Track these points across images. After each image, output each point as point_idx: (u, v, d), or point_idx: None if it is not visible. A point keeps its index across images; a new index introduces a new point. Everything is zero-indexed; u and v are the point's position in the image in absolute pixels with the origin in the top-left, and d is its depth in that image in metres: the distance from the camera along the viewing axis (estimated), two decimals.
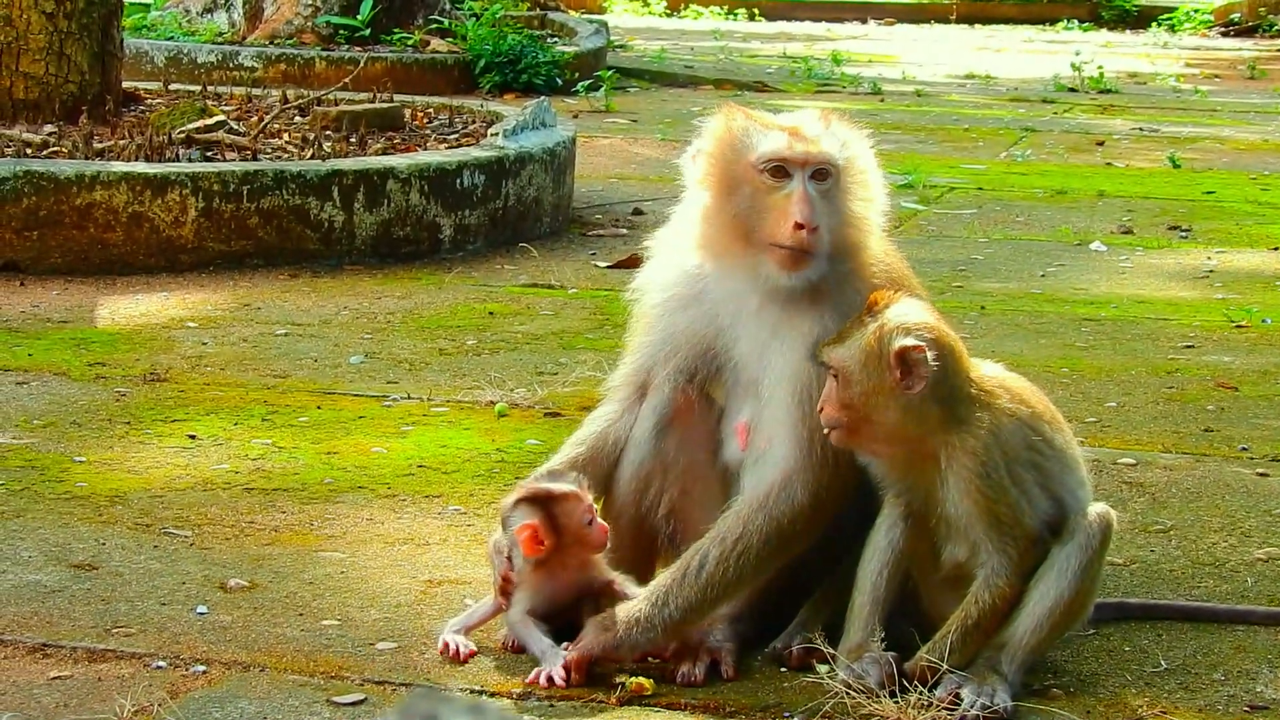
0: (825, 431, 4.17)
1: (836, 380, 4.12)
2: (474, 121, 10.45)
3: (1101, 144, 13.73)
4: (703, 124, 4.45)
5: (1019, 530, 4.09)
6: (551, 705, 4.06)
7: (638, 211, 10.06)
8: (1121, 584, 4.86)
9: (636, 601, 4.23)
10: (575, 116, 13.80)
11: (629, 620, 4.20)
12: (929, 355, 4.07)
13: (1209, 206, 10.99)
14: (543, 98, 10.64)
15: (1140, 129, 14.70)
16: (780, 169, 4.30)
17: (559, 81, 15.20)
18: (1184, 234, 10.03)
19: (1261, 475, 5.78)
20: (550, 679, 4.13)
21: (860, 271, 4.41)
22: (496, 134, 9.51)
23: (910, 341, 4.07)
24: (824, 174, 4.32)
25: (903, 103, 16.14)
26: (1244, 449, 6.06)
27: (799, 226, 4.25)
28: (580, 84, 15.06)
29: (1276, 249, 9.66)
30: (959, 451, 4.09)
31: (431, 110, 10.91)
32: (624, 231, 9.59)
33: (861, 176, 4.44)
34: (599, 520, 4.31)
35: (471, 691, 4.10)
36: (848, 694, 4.01)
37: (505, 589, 4.34)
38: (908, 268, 4.60)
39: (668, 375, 4.45)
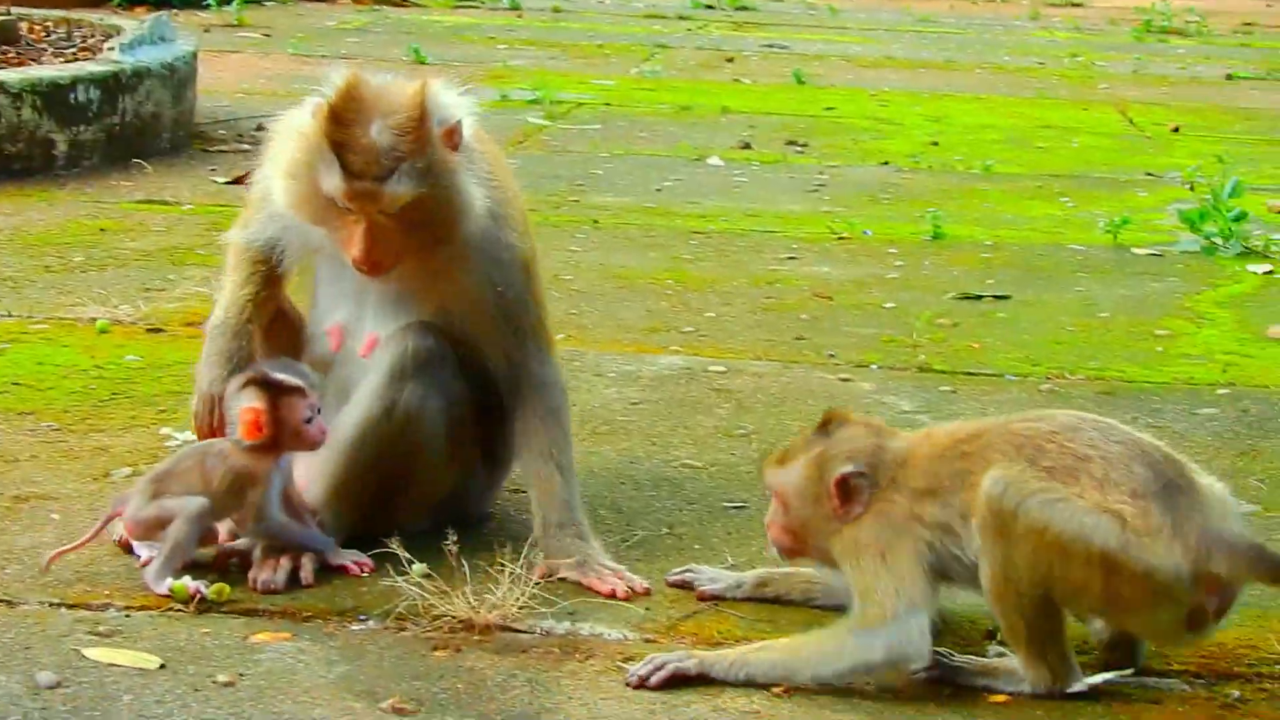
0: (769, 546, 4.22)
1: (780, 503, 4.11)
2: (92, 36, 10.28)
3: (731, 60, 14.00)
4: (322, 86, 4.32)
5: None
6: (128, 616, 4.10)
7: (262, 127, 9.94)
8: (700, 485, 5.04)
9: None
10: (207, 31, 13.66)
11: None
12: (865, 483, 3.99)
13: (828, 122, 11.30)
14: (161, 12, 10.51)
15: (771, 46, 15.00)
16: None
17: None
18: (800, 149, 10.31)
19: (845, 380, 6.03)
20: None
21: (466, 242, 4.42)
22: (113, 49, 9.38)
23: (850, 469, 3.99)
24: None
25: (540, 18, 16.25)
26: (831, 355, 6.30)
27: (359, 262, 4.30)
28: None
29: (886, 163, 9.98)
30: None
31: (50, 24, 10.70)
32: (247, 147, 9.52)
33: (452, 168, 4.34)
34: (319, 419, 4.34)
35: (50, 605, 4.13)
36: (422, 596, 4.13)
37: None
38: (513, 181, 4.62)
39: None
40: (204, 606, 4.16)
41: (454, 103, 4.42)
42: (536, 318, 4.56)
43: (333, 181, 4.24)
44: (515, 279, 4.50)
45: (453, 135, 4.35)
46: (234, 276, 4.62)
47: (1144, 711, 3.85)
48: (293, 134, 4.37)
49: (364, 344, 4.51)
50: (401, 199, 4.25)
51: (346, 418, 4.48)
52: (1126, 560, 3.72)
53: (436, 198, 4.30)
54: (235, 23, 14.46)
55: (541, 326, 4.58)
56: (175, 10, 13.86)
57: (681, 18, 16.82)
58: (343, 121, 4.25)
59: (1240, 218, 8.10)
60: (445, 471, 4.59)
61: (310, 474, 4.53)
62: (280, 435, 4.31)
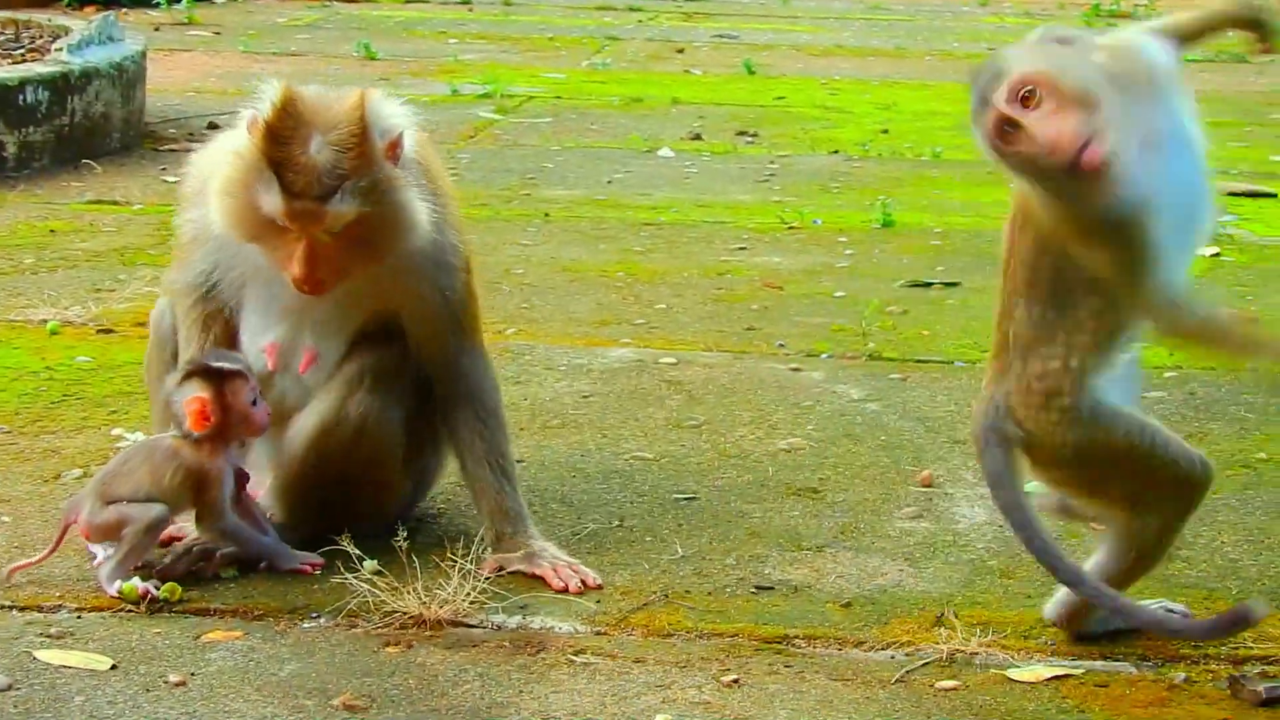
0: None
1: None
2: (41, 36, 10.25)
3: (682, 51, 14.00)
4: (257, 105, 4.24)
5: None
6: (79, 617, 4.11)
7: (213, 125, 9.96)
8: (650, 477, 5.07)
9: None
10: (157, 29, 13.64)
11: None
12: None
13: (778, 112, 11.32)
14: (110, 11, 10.48)
15: (721, 36, 15.01)
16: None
17: None
18: (750, 139, 10.34)
19: (794, 370, 6.05)
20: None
21: (412, 254, 4.38)
22: (61, 49, 9.36)
23: None
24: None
25: (491, 12, 16.24)
26: (781, 345, 6.33)
27: (299, 282, 4.25)
28: None
29: (836, 152, 10.00)
30: None
31: None
32: (197, 146, 9.48)
33: (396, 184, 4.27)
34: (263, 403, 4.36)
35: (0, 607, 4.13)
36: (373, 593, 4.14)
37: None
38: (448, 180, 4.59)
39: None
40: (155, 606, 4.17)
41: (395, 113, 4.35)
42: (474, 316, 4.56)
43: (272, 201, 4.15)
44: (459, 281, 4.48)
45: (395, 148, 4.27)
46: (182, 333, 4.56)
47: (1091, 695, 3.88)
48: (226, 154, 4.29)
49: (302, 360, 4.49)
50: (345, 218, 4.18)
51: (304, 424, 4.47)
52: None
53: (381, 215, 4.22)
54: (185, 20, 14.42)
55: (477, 325, 4.58)
56: (125, 9, 13.83)
57: (632, 9, 16.81)
58: (280, 139, 4.15)
59: None
60: (404, 479, 4.61)
61: (267, 477, 4.55)
62: (228, 422, 4.32)
